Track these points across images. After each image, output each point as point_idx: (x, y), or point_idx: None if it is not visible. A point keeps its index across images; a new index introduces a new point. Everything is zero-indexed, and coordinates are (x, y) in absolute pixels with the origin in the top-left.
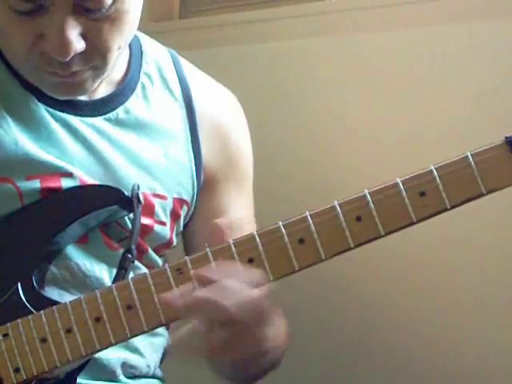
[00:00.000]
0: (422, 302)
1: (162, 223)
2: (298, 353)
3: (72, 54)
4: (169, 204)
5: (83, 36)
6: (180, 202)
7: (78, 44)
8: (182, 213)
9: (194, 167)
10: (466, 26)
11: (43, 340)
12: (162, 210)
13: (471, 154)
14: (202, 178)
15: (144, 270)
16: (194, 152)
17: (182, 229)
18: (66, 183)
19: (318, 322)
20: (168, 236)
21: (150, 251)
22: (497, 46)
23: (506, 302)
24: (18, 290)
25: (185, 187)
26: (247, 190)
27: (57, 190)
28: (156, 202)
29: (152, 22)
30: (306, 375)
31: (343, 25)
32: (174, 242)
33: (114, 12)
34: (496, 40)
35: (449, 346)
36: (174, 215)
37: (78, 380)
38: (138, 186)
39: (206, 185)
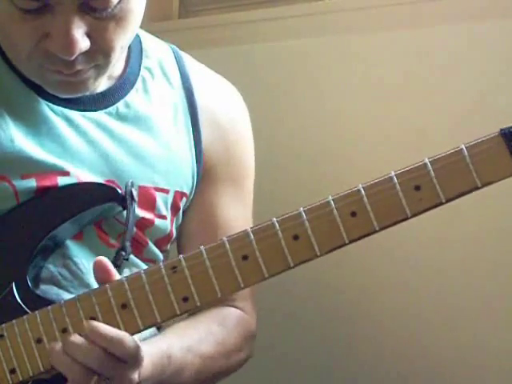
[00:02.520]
0: (418, 302)
1: (163, 217)
2: (292, 352)
3: (77, 53)
4: (170, 197)
5: (88, 35)
6: (180, 194)
7: (83, 43)
8: (182, 205)
9: (194, 159)
10: (465, 25)
11: (39, 340)
12: (163, 203)
13: (466, 147)
14: (202, 170)
15: (143, 266)
16: (194, 144)
17: (180, 221)
18: (62, 182)
19: (311, 322)
20: (168, 229)
21: (150, 244)
22: (497, 45)
23: (505, 302)
24: (12, 290)
25: (185, 180)
26: (246, 188)
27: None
28: (157, 195)
29: (151, 22)
30: (300, 375)
31: (343, 24)
32: (174, 235)
33: (119, 11)
34: (496, 40)
35: (446, 346)
36: (175, 208)
37: None
38: (132, 183)
39: (204, 178)
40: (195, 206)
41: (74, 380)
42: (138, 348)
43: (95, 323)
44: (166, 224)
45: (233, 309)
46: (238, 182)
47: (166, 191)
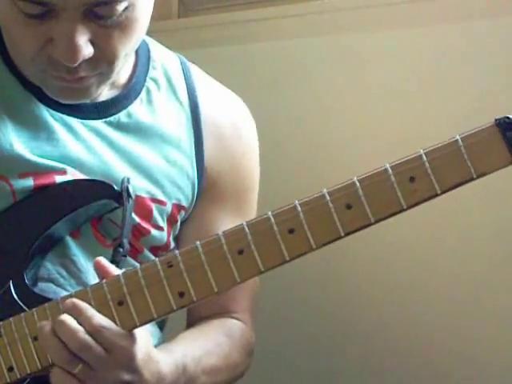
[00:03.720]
0: (416, 300)
1: (160, 228)
2: (291, 351)
3: (80, 60)
4: (167, 209)
5: (92, 42)
6: (178, 207)
7: (87, 50)
8: (179, 218)
9: (195, 173)
10: (465, 25)
11: (36, 338)
12: (160, 215)
13: (461, 138)
14: (203, 184)
15: None
16: (196, 158)
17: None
18: (60, 180)
19: (307, 321)
20: (165, 240)
21: (146, 251)
22: (496, 46)
23: (504, 298)
24: (9, 287)
25: (184, 193)
26: (249, 202)
27: None
28: (154, 207)
29: (150, 21)
30: (297, 376)
31: (342, 24)
32: (172, 245)
33: (124, 19)
34: (495, 40)
35: (444, 345)
36: (172, 220)
37: None
38: (128, 180)
39: (206, 192)
40: (195, 220)
41: (59, 364)
42: (131, 346)
43: (84, 305)
44: (163, 235)
45: (235, 320)
46: (241, 196)
47: (163, 203)
